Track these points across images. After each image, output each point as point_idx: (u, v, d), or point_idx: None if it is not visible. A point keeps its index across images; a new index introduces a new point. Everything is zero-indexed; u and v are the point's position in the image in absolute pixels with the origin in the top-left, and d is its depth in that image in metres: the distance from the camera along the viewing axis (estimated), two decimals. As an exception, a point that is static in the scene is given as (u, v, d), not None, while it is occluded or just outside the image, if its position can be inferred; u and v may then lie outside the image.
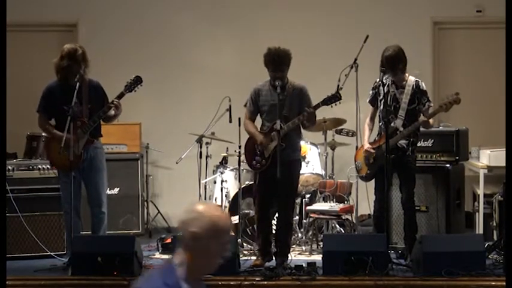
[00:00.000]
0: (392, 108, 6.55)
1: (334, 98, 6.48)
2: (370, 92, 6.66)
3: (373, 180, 6.76)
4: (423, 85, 6.59)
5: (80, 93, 6.42)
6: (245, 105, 6.76)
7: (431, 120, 6.55)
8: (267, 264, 6.45)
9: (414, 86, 6.54)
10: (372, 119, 6.74)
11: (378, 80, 6.62)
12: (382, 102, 6.59)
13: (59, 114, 6.54)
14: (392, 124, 6.50)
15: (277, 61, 6.43)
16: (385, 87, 6.55)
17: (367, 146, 6.68)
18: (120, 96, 6.50)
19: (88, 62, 6.52)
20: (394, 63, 6.45)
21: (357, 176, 7.00)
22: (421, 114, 6.50)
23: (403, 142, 6.53)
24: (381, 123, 6.64)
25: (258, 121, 6.81)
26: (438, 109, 6.44)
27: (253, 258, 6.90)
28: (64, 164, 6.43)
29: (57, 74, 6.55)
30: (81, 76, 6.44)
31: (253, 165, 6.66)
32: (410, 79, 6.57)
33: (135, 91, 6.60)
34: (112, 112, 6.51)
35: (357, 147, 7.21)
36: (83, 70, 6.47)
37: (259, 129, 6.67)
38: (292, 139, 6.54)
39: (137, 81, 6.57)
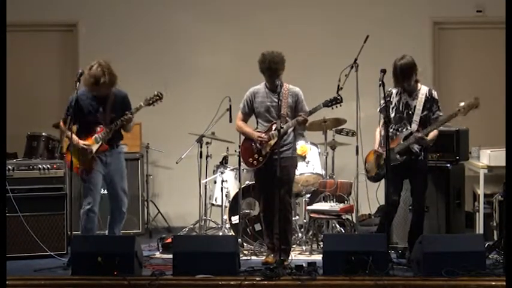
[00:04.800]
0: (405, 114, 6.57)
1: (335, 101, 6.57)
2: (381, 102, 6.54)
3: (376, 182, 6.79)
4: (435, 94, 6.61)
5: (105, 102, 6.65)
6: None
7: (431, 135, 6.52)
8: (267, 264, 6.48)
9: (427, 94, 6.56)
10: (387, 118, 6.68)
11: (389, 89, 6.63)
12: (393, 109, 6.61)
13: (83, 121, 6.69)
14: (405, 131, 6.53)
15: (274, 68, 6.59)
16: (397, 96, 6.59)
17: (377, 148, 6.68)
18: (138, 108, 6.69)
19: (116, 78, 6.63)
20: (409, 71, 6.46)
21: (365, 174, 6.93)
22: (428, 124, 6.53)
23: (416, 147, 6.54)
24: (391, 129, 6.62)
25: (250, 123, 6.90)
26: (456, 112, 6.42)
27: (254, 258, 6.93)
28: (80, 167, 6.64)
29: (85, 86, 6.65)
30: (106, 90, 6.64)
31: (250, 163, 6.72)
32: (423, 88, 6.60)
33: (154, 106, 6.76)
34: (130, 124, 6.74)
35: (357, 147, 7.21)
36: (106, 87, 6.61)
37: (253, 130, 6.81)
38: (288, 138, 6.68)
39: (158, 97, 6.75)
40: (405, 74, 6.48)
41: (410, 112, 6.58)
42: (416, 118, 6.54)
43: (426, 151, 6.64)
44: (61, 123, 6.76)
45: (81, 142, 6.62)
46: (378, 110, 6.63)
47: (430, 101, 6.57)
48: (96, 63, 6.55)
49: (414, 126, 6.54)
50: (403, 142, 6.53)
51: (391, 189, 6.51)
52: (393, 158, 6.48)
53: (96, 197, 6.66)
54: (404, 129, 6.59)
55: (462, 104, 6.40)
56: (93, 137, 6.65)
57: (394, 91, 6.67)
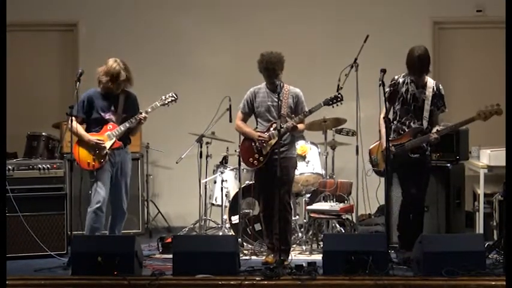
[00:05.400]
0: (412, 107, 6.56)
1: (336, 99, 6.59)
2: (387, 89, 6.54)
3: (376, 182, 6.77)
4: (442, 89, 6.60)
5: (116, 101, 6.70)
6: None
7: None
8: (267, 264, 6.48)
9: (435, 88, 6.55)
10: (386, 117, 6.67)
11: (396, 77, 6.62)
12: (400, 100, 6.59)
13: (94, 120, 6.72)
14: (412, 124, 6.53)
15: (271, 68, 6.61)
16: (404, 85, 6.56)
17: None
18: (153, 107, 6.77)
19: (131, 79, 6.70)
20: (425, 62, 6.46)
21: (373, 169, 6.91)
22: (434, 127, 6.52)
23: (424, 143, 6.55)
24: (397, 122, 6.61)
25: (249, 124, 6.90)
26: (475, 117, 6.38)
27: (254, 258, 6.94)
28: (90, 163, 6.65)
29: (99, 84, 6.68)
30: (122, 89, 6.72)
31: (251, 163, 6.73)
32: (430, 80, 6.59)
33: (168, 106, 6.84)
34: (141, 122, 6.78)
35: (357, 147, 7.21)
36: (124, 85, 6.69)
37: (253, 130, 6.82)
38: (288, 138, 6.69)
39: (173, 98, 6.84)
40: (423, 65, 6.46)
41: (417, 105, 6.56)
42: (426, 114, 6.52)
43: (431, 146, 6.64)
44: (70, 121, 6.68)
45: (94, 138, 6.64)
46: (385, 98, 6.51)
47: (437, 96, 6.56)
48: (112, 60, 6.62)
49: (425, 123, 6.52)
50: (415, 139, 6.51)
51: (403, 185, 6.51)
52: (405, 155, 6.48)
53: (105, 196, 6.67)
54: (411, 123, 6.56)
55: (482, 108, 6.37)
56: (106, 133, 6.68)
57: (401, 80, 6.64)
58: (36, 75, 9.35)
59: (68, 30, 9.37)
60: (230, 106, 7.34)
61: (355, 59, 7.10)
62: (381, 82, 6.45)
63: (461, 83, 8.97)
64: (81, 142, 6.69)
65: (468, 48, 9.08)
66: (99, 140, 6.64)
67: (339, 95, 6.61)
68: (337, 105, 6.62)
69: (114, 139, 6.68)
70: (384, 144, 6.52)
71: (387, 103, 6.58)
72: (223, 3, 9.15)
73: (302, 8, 9.04)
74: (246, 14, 9.09)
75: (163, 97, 6.85)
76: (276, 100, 6.58)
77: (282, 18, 9.01)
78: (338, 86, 6.85)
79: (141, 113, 6.70)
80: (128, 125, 6.69)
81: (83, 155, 6.67)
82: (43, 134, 7.89)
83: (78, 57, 9.13)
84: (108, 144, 6.66)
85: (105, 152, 6.65)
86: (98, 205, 6.61)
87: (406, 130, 6.58)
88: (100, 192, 6.63)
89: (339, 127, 7.89)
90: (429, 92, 6.53)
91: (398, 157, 6.48)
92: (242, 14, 9.10)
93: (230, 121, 7.29)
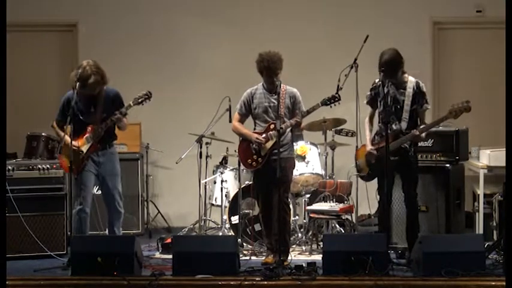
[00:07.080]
0: (393, 109, 6.56)
1: (333, 99, 6.58)
2: (368, 93, 6.65)
3: (375, 181, 6.76)
4: (423, 86, 6.59)
5: (95, 102, 6.63)
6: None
7: (423, 135, 6.54)
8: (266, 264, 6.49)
9: (415, 87, 6.54)
10: (371, 120, 6.75)
11: (376, 80, 6.63)
12: (381, 103, 6.60)
13: (76, 122, 6.63)
14: (394, 126, 6.51)
15: (272, 67, 6.58)
16: (385, 88, 6.56)
17: (369, 147, 6.67)
18: (127, 107, 6.66)
19: (103, 79, 6.59)
20: (393, 66, 6.45)
21: (357, 175, 6.98)
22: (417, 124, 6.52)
23: (405, 143, 6.54)
24: (380, 124, 6.63)
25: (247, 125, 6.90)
26: (447, 115, 6.40)
27: (254, 258, 6.94)
28: (69, 166, 6.57)
29: (73, 88, 6.63)
30: (99, 88, 6.62)
31: (249, 164, 6.72)
32: (411, 80, 6.57)
33: (143, 105, 6.73)
34: (122, 123, 6.70)
35: (357, 147, 7.21)
36: (98, 87, 6.59)
37: (250, 131, 6.81)
38: (286, 138, 6.68)
39: (146, 96, 6.72)
40: (392, 69, 6.46)
41: (398, 106, 6.56)
42: (405, 115, 6.52)
43: (415, 146, 6.63)
44: (54, 124, 6.77)
45: (72, 143, 6.57)
46: (365, 102, 6.63)
47: (418, 94, 6.55)
48: (84, 64, 6.53)
49: (404, 124, 6.52)
50: (396, 141, 6.50)
51: (382, 188, 6.52)
52: (383, 157, 6.42)
53: (87, 197, 6.64)
54: (393, 125, 6.56)
55: (452, 107, 6.38)
56: (84, 137, 6.65)
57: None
58: (36, 75, 9.35)
59: (67, 30, 9.37)
60: (230, 106, 7.34)
61: (355, 60, 7.10)
62: (380, 82, 6.46)
63: (461, 83, 8.97)
64: (64, 146, 6.66)
65: (468, 49, 9.08)
66: (75, 146, 6.58)
67: (337, 95, 6.61)
68: (335, 105, 6.63)
69: (91, 142, 6.64)
70: (368, 148, 6.60)
71: (370, 107, 6.62)
72: (224, 3, 9.14)
73: (302, 8, 9.03)
74: (245, 15, 9.09)
75: (136, 96, 6.74)
76: (274, 101, 6.59)
77: (282, 19, 9.01)
78: (338, 86, 6.84)
79: (115, 114, 6.60)
80: (103, 127, 6.62)
81: (65, 159, 6.67)
82: (43, 134, 7.88)
83: (78, 58, 9.11)
84: (84, 149, 6.63)
85: (81, 156, 6.62)
86: (80, 207, 6.60)
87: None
88: (81, 193, 6.61)
89: (339, 127, 7.89)
90: (409, 92, 6.54)
91: (380, 161, 6.47)
92: (241, 15, 9.09)
93: (230, 121, 7.29)
